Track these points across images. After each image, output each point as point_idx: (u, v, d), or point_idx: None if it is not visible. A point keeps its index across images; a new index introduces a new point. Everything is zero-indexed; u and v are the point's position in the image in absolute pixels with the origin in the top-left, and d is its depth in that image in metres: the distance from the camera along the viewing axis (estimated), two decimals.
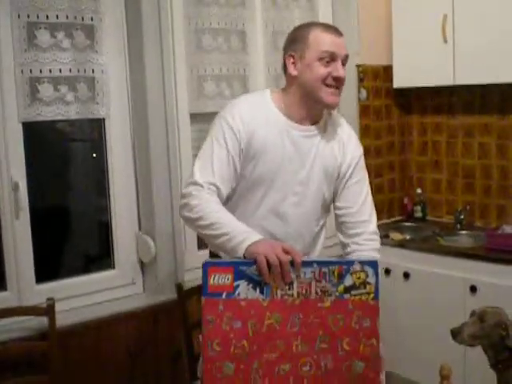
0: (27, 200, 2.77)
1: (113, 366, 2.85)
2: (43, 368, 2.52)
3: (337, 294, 1.73)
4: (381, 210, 3.99)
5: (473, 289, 3.22)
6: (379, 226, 2.27)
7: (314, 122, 2.14)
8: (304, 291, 1.74)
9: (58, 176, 3.10)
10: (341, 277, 1.72)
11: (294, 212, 2.14)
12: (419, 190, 4.11)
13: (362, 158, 2.25)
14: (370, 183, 2.28)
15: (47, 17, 2.76)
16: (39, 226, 2.83)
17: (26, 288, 2.78)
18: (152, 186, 3.03)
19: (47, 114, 2.79)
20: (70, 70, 2.83)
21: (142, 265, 3.14)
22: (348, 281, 1.72)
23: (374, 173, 3.96)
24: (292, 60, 2.08)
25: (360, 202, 2.20)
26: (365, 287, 1.73)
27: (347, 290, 1.73)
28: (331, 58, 2.02)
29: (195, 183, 2.02)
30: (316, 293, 1.73)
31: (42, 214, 2.91)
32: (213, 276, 1.73)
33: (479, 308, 2.33)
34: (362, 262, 1.74)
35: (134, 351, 2.91)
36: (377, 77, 4.02)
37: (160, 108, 3.02)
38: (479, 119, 3.84)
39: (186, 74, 3.16)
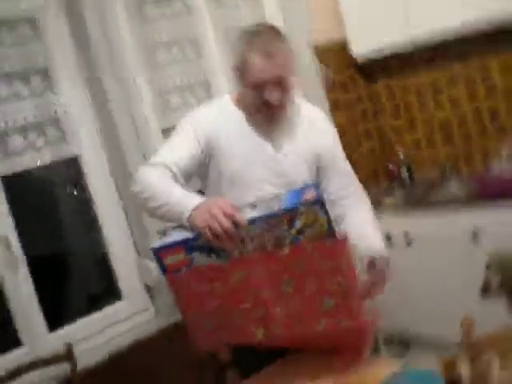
0: (22, 252, 2.76)
1: None
2: None
3: (291, 237, 1.71)
4: (367, 179, 4.00)
5: (474, 236, 3.25)
6: (370, 195, 2.30)
7: None
8: (259, 244, 1.73)
9: (47, 221, 3.09)
10: (290, 223, 1.70)
11: None
12: (400, 153, 4.12)
13: (337, 135, 2.26)
14: (351, 156, 2.30)
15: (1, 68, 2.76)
16: (40, 274, 2.82)
17: (40, 339, 2.78)
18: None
19: (22, 163, 2.79)
20: (35, 116, 2.83)
21: (149, 289, 3.14)
22: (298, 224, 1.70)
23: (352, 145, 3.98)
24: (236, 74, 2.04)
25: (348, 181, 2.24)
26: (316, 222, 1.70)
27: (300, 231, 1.71)
28: (262, 86, 1.96)
29: (145, 164, 2.03)
30: (269, 241, 1.72)
31: (40, 262, 2.89)
32: (166, 258, 1.77)
33: (489, 257, 2.33)
34: (306, 204, 1.70)
35: (156, 376, 2.90)
36: (335, 51, 4.02)
37: (132, 133, 3.02)
38: (444, 72, 3.85)
39: (149, 92, 3.15)
